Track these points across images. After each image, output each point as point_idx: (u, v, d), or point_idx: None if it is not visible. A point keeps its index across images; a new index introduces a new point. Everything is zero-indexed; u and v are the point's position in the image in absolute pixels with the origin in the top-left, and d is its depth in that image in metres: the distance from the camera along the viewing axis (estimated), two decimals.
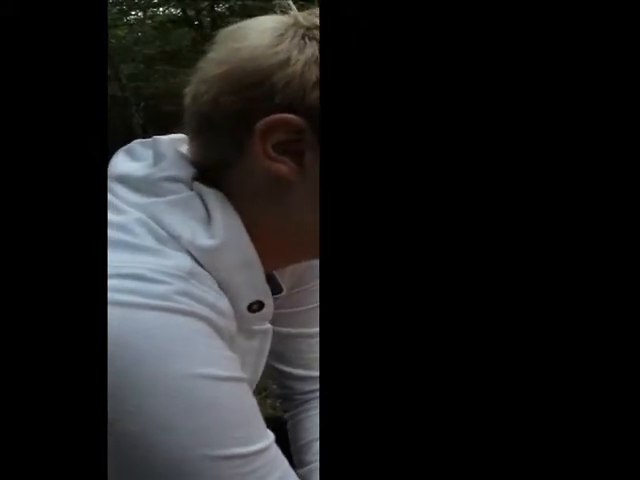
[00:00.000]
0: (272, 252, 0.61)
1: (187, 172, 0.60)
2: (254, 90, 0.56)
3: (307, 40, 0.56)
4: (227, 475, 0.52)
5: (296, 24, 0.57)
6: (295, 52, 0.55)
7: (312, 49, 0.55)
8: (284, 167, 0.57)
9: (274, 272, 0.69)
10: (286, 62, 0.55)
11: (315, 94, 0.54)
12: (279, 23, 0.58)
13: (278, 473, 0.56)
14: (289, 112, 0.55)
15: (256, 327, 0.67)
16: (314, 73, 0.54)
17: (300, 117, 0.55)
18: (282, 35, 0.56)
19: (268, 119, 0.55)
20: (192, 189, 0.59)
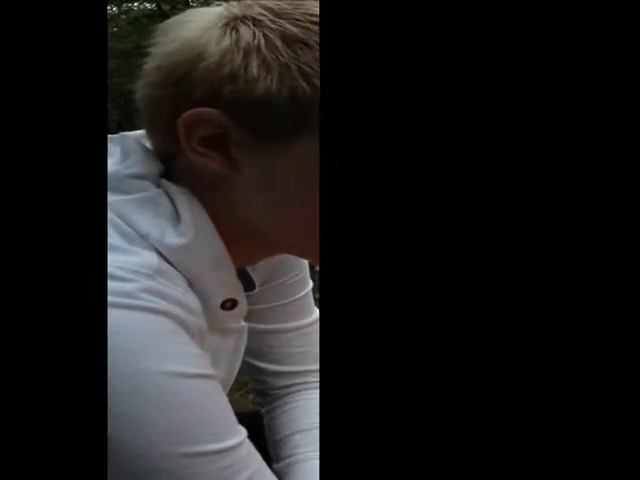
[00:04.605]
0: (238, 247, 0.61)
1: (153, 168, 0.60)
2: (177, 84, 0.55)
3: (227, 31, 0.55)
4: (202, 472, 0.53)
5: (222, 15, 0.56)
6: (212, 45, 0.54)
7: (229, 41, 0.54)
8: (212, 161, 0.56)
9: (247, 269, 0.69)
10: (202, 55, 0.54)
11: (232, 87, 0.53)
12: (207, 14, 0.57)
13: (252, 468, 0.56)
14: (209, 106, 0.54)
15: (231, 325, 0.67)
16: (229, 66, 0.53)
17: (220, 111, 0.54)
18: (204, 27, 0.55)
19: (187, 114, 0.55)
20: (159, 186, 0.59)
